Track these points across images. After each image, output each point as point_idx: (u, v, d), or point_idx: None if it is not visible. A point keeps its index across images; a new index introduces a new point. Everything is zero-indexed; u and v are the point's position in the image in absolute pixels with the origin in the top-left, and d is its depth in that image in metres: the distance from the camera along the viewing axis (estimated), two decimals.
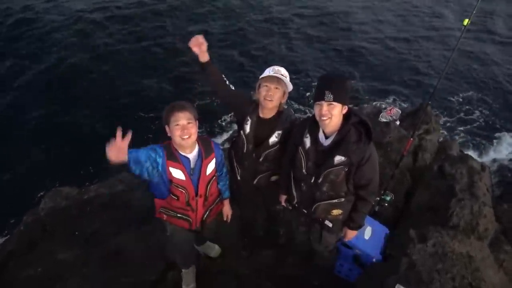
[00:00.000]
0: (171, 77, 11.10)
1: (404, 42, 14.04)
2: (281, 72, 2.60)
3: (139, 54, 11.99)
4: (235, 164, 3.03)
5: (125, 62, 11.42)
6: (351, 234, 2.80)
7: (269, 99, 2.58)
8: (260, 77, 2.63)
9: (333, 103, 2.18)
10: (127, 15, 14.21)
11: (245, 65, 11.80)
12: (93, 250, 3.74)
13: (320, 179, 2.41)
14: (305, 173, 2.51)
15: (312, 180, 2.47)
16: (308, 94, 10.77)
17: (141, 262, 3.57)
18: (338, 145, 2.30)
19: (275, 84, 2.57)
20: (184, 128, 2.28)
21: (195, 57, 2.63)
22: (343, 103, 2.21)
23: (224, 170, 2.81)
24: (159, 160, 2.33)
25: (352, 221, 2.67)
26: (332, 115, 2.21)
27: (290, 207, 2.93)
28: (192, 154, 2.44)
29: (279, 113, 2.75)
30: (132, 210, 4.29)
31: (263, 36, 13.75)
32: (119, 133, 1.96)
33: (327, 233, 2.80)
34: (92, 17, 13.70)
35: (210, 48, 2.63)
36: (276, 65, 2.71)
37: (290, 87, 2.66)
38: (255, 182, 2.99)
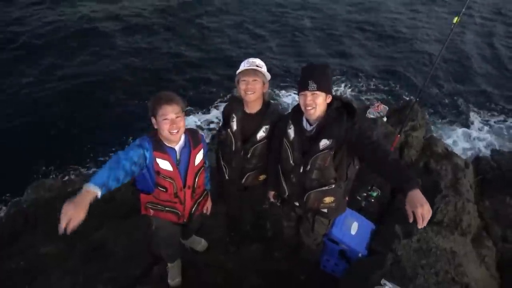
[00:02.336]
0: (156, 63, 11.04)
1: (394, 38, 14.11)
2: (256, 63, 2.56)
3: (120, 41, 11.82)
4: (222, 163, 2.97)
5: (107, 51, 11.23)
6: (418, 196, 1.83)
7: (250, 92, 2.54)
8: (237, 72, 2.58)
9: (317, 92, 2.21)
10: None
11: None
12: (77, 244, 3.68)
13: (308, 167, 2.41)
14: (292, 164, 2.50)
15: (301, 170, 2.46)
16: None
17: (126, 256, 3.53)
18: (322, 129, 2.31)
19: (253, 77, 2.53)
20: (173, 123, 2.23)
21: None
22: (326, 91, 2.24)
23: (207, 162, 2.78)
24: (147, 154, 2.27)
25: (407, 180, 1.91)
26: (316, 104, 2.24)
27: (279, 203, 2.92)
28: (178, 145, 2.40)
29: (266, 106, 2.72)
30: (117, 203, 4.24)
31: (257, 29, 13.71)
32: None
33: (320, 221, 2.79)
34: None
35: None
36: (254, 57, 2.68)
37: (268, 76, 2.61)
38: (243, 181, 2.95)
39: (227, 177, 3.00)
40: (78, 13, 12.93)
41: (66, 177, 6.53)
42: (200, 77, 10.72)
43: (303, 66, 2.36)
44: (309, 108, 2.26)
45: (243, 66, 2.56)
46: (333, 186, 2.48)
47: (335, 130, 2.26)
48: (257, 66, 2.54)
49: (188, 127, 2.45)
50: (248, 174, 2.92)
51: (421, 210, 1.76)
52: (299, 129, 2.43)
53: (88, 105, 9.09)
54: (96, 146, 8.09)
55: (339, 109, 2.33)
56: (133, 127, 8.35)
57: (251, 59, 2.59)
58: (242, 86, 2.56)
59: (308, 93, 2.22)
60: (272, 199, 2.99)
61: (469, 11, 16.35)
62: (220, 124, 2.98)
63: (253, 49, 12.45)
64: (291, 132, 2.46)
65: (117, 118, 8.87)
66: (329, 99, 2.29)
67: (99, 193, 1.89)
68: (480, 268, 3.28)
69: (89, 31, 12.02)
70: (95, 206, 4.11)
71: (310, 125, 2.39)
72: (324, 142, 2.30)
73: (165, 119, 2.22)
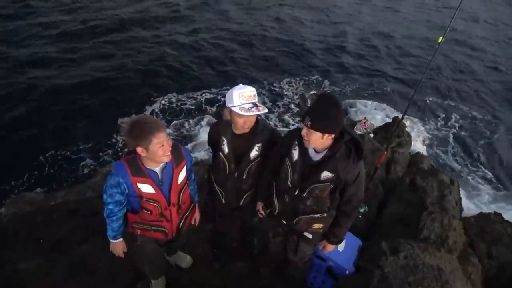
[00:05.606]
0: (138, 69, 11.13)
1: (380, 56, 14.40)
2: (251, 96, 2.41)
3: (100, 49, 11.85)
4: (216, 188, 2.91)
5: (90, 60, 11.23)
6: (329, 248, 2.76)
7: (248, 126, 2.52)
8: (231, 106, 2.41)
9: (310, 130, 2.16)
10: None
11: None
12: (58, 259, 3.57)
13: (305, 193, 2.39)
14: (290, 185, 2.47)
15: (296, 193, 2.44)
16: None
17: (108, 272, 3.44)
18: (327, 161, 2.26)
19: (256, 112, 2.41)
20: (167, 145, 2.20)
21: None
22: (322, 131, 2.15)
23: (193, 175, 2.74)
24: (125, 184, 2.27)
25: (334, 235, 2.64)
26: (310, 139, 2.20)
27: (265, 215, 2.89)
28: (159, 166, 2.34)
29: (254, 124, 2.64)
30: (100, 217, 4.12)
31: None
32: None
33: (305, 244, 2.77)
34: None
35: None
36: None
37: (265, 109, 2.49)
38: (241, 203, 2.91)
39: (223, 201, 2.94)
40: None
41: (49, 191, 6.37)
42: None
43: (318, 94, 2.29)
44: (304, 139, 2.25)
45: (238, 100, 2.38)
46: (325, 215, 2.48)
47: (340, 166, 2.23)
48: (257, 105, 2.40)
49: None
50: (246, 195, 2.87)
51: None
52: (303, 153, 2.37)
53: (76, 116, 9.00)
54: (79, 158, 7.99)
55: (349, 144, 2.26)
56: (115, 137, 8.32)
57: (245, 92, 2.40)
58: (239, 121, 2.47)
59: (304, 127, 2.19)
60: (261, 211, 2.96)
61: (455, 29, 16.89)
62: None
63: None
64: (295, 154, 2.39)
65: (100, 129, 8.84)
66: (329, 137, 2.20)
67: (119, 240, 2.59)
68: (466, 285, 3.29)
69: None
70: (79, 219, 4.05)
71: (316, 152, 2.34)
72: (326, 174, 2.27)
73: (162, 146, 2.17)
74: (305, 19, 16.94)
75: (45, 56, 10.98)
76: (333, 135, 2.20)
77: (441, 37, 3.20)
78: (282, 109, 10.74)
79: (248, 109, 2.36)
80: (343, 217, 2.51)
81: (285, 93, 11.33)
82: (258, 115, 2.62)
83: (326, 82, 12.23)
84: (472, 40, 17.20)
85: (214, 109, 10.26)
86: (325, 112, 2.13)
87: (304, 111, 2.25)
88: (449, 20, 3.24)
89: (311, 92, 11.52)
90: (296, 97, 11.31)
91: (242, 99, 2.39)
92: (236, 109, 2.37)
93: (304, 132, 2.21)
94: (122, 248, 2.62)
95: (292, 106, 10.92)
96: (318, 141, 2.21)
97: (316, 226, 2.56)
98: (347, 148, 2.26)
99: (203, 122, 9.59)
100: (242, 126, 2.50)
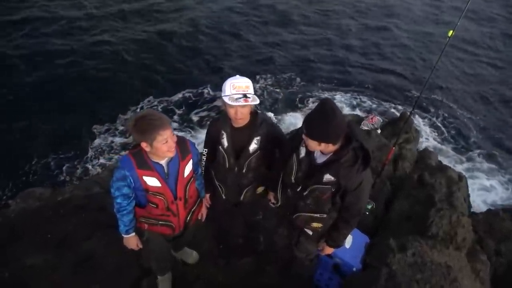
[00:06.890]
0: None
1: (389, 51, 14.23)
2: (243, 87, 2.41)
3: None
4: (216, 183, 2.91)
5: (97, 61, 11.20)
6: (328, 251, 2.75)
7: (239, 117, 2.48)
8: (223, 96, 2.43)
9: (307, 137, 2.16)
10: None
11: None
12: (65, 255, 3.59)
13: (306, 192, 2.38)
14: (293, 181, 2.47)
15: (298, 189, 2.43)
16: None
17: (115, 268, 3.45)
18: (330, 164, 2.23)
19: (242, 103, 2.40)
20: (171, 141, 2.21)
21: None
22: (316, 140, 2.14)
23: (199, 169, 2.74)
24: (130, 177, 2.29)
25: (332, 239, 2.62)
26: (308, 144, 2.21)
27: (276, 206, 2.92)
28: (165, 160, 2.35)
29: (253, 117, 2.63)
30: (108, 213, 4.15)
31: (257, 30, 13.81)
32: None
33: (305, 239, 2.77)
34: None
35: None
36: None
37: (256, 99, 2.47)
38: (241, 198, 2.90)
39: (224, 197, 2.94)
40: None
41: (57, 186, 6.41)
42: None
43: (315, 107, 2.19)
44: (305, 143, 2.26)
45: (229, 90, 2.39)
46: (325, 216, 2.46)
47: (342, 172, 2.19)
48: (247, 96, 2.38)
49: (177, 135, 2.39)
50: (246, 189, 2.86)
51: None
52: (309, 152, 2.35)
53: (82, 111, 9.02)
54: (87, 153, 8.03)
55: (357, 151, 2.20)
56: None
57: (237, 83, 2.41)
58: (231, 112, 2.46)
59: (303, 134, 2.20)
60: (272, 200, 2.97)
61: (467, 23, 16.63)
62: (204, 144, 2.86)
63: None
64: (303, 151, 2.38)
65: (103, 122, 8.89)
66: (328, 145, 2.18)
67: (132, 234, 2.57)
68: (475, 283, 3.26)
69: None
70: (87, 214, 4.07)
71: (322, 153, 2.30)
72: (328, 177, 2.24)
73: (166, 142, 2.17)
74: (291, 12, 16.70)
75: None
76: (329, 147, 2.17)
77: (451, 31, 3.15)
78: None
79: (236, 99, 2.36)
80: (342, 222, 2.48)
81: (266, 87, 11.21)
82: (256, 109, 2.66)
83: (326, 79, 12.13)
84: (482, 36, 16.95)
85: (181, 111, 10.08)
86: (319, 122, 2.09)
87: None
88: (459, 14, 3.20)
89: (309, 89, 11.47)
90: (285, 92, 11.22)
91: (233, 89, 2.39)
92: (226, 99, 2.38)
93: (303, 136, 2.21)
94: (135, 242, 2.61)
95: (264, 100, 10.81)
96: (317, 147, 2.20)
97: (315, 224, 2.54)
98: (355, 155, 2.20)
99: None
100: (234, 117, 2.48)
